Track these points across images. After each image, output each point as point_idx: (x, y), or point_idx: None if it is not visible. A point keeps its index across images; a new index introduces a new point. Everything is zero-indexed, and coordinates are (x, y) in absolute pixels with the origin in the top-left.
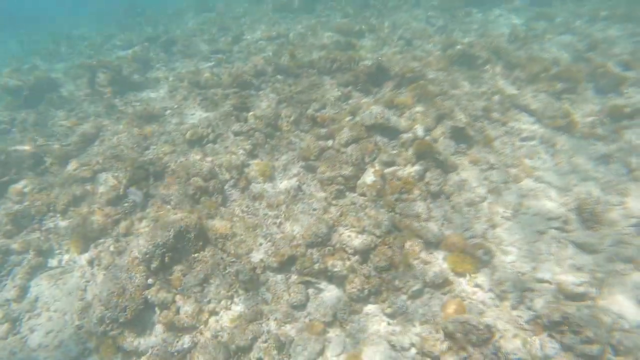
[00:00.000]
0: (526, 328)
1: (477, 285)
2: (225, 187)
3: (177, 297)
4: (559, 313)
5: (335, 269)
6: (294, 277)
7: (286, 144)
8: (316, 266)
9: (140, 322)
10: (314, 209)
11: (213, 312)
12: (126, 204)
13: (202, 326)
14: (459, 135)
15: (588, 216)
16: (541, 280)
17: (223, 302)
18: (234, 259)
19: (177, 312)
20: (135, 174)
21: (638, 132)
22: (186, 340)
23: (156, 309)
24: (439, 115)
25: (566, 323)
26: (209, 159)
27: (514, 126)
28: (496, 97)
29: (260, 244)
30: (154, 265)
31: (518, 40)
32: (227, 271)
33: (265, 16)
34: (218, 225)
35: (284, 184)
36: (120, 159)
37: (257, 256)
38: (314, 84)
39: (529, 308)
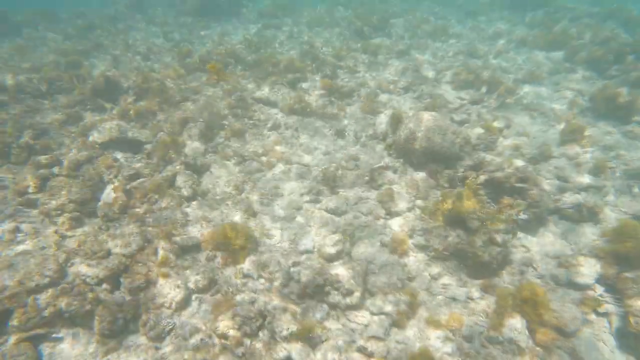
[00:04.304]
0: (290, 301)
1: (245, 276)
2: None
3: None
4: (321, 277)
5: (73, 307)
6: (12, 338)
7: None
8: (46, 312)
9: None
10: (42, 247)
11: None
12: None
13: None
14: (206, 136)
15: (332, 183)
16: (304, 252)
17: None
18: None
19: None
20: None
21: (355, 106)
22: None
23: None
24: (183, 120)
25: (327, 283)
26: None
27: (260, 118)
28: (237, 95)
29: None
30: None
31: (252, 46)
32: None
33: None
34: None
35: None
36: None
37: None
38: (28, 109)
39: (298, 281)
